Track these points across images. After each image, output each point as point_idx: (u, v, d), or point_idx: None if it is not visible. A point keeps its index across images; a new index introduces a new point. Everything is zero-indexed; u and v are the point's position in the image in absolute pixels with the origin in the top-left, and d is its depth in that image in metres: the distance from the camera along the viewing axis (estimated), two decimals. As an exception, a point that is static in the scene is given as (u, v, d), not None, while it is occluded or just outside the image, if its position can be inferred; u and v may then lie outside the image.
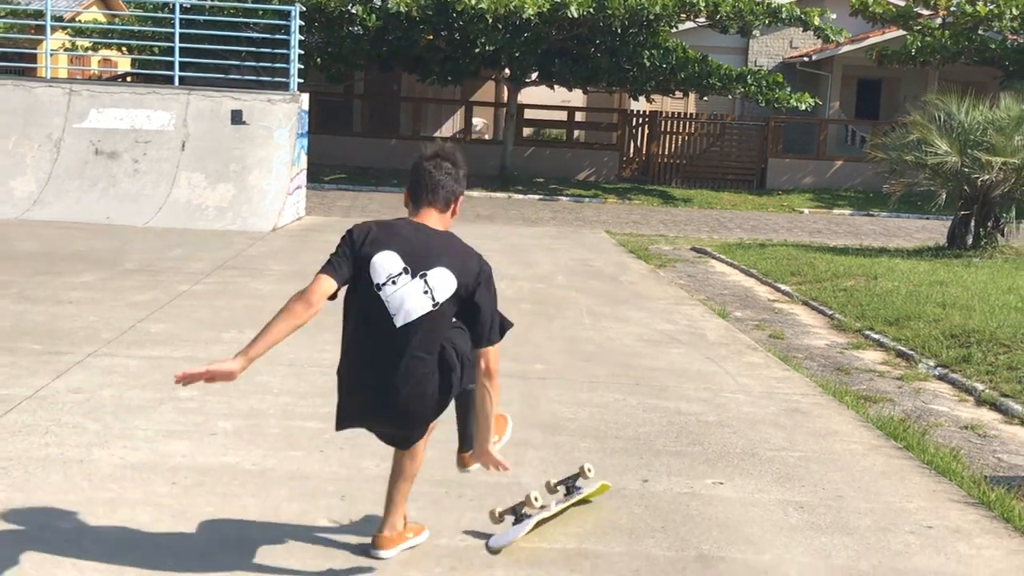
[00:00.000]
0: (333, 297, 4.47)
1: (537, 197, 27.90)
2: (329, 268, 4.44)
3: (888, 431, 7.32)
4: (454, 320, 4.53)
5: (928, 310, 11.69)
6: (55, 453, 5.87)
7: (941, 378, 9.57)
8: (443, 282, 4.42)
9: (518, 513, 5.04)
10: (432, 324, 4.41)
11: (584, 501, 5.49)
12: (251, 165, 17.83)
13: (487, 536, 5.06)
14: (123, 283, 11.29)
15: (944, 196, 17.57)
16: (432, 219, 4.61)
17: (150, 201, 17.25)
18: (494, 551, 4.89)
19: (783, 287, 14.04)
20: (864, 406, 8.11)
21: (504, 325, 4.66)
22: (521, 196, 27.80)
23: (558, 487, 5.45)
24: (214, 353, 8.34)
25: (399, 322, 4.37)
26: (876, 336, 11.08)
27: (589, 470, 5.50)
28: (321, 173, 26.24)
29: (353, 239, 4.51)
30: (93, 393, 7.06)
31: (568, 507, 5.35)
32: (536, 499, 5.03)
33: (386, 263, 4.42)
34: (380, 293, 4.39)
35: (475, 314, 4.50)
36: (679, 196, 29.08)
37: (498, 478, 5.87)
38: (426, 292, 4.39)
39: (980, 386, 9.08)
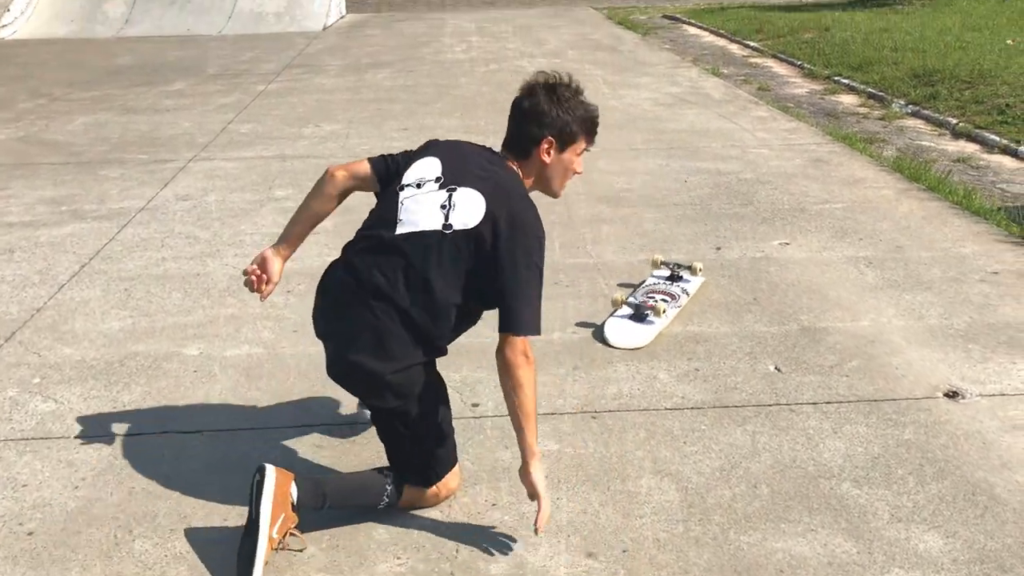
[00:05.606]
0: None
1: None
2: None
3: (908, 174, 5.95)
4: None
5: (885, 55, 10.08)
6: (173, 268, 4.56)
7: (915, 115, 8.12)
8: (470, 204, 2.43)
9: (640, 312, 3.76)
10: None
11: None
12: (298, -25, 15.66)
13: (594, 326, 3.82)
14: (209, 88, 9.66)
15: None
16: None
17: (220, 13, 15.27)
18: (615, 347, 3.65)
19: (752, 43, 12.30)
20: (870, 149, 6.72)
21: (540, 320, 2.45)
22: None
23: (663, 265, 4.18)
24: (300, 149, 6.89)
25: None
26: (846, 81, 9.53)
27: (700, 268, 4.19)
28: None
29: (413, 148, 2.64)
30: (199, 200, 5.67)
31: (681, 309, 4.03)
32: (664, 311, 3.74)
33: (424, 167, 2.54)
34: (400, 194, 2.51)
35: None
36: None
37: (584, 260, 4.60)
38: (444, 207, 2.43)
39: (953, 120, 7.66)
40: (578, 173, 2.62)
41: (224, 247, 4.84)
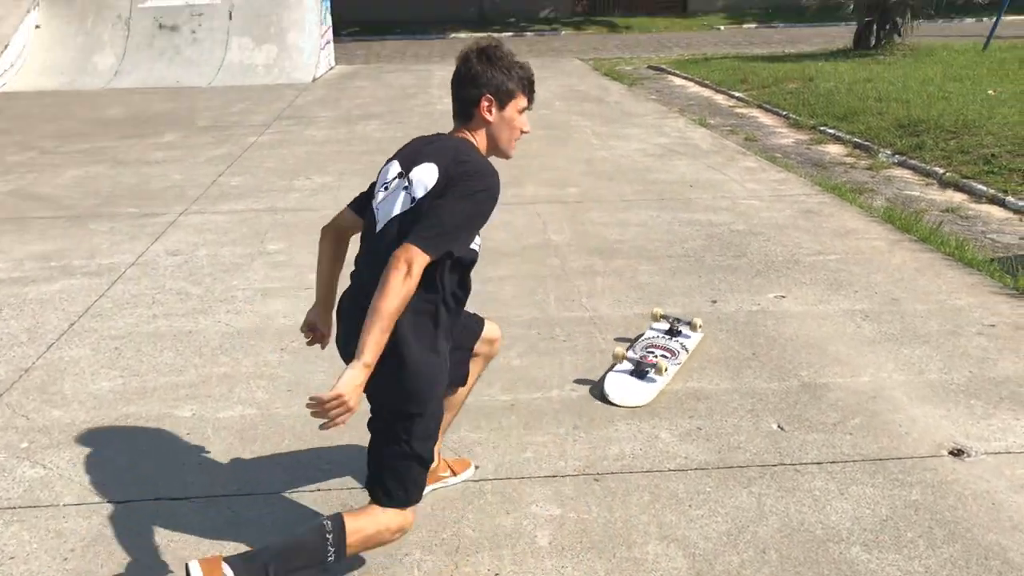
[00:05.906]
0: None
1: (510, 34, 25.63)
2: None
3: (899, 225, 5.97)
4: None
5: (869, 104, 10.16)
6: (164, 326, 4.49)
7: (901, 164, 8.17)
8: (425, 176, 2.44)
9: (641, 369, 3.71)
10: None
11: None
12: (287, 27, 15.78)
13: (592, 382, 3.78)
14: (199, 140, 9.64)
15: (852, 5, 15.78)
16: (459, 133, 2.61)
17: (209, 65, 15.29)
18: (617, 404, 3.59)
19: (737, 94, 12.41)
20: (860, 200, 6.74)
21: (449, 245, 2.37)
22: (498, 34, 25.52)
23: (662, 319, 4.15)
24: (291, 202, 6.86)
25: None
26: (831, 131, 9.59)
27: (700, 324, 4.16)
28: (340, 28, 23.88)
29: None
30: (190, 255, 5.62)
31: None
32: (666, 368, 3.69)
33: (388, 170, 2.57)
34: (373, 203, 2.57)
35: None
36: (622, 24, 26.77)
37: (580, 313, 4.56)
38: (406, 188, 2.45)
39: (940, 170, 7.71)
40: (525, 132, 2.65)
41: (216, 303, 4.78)
